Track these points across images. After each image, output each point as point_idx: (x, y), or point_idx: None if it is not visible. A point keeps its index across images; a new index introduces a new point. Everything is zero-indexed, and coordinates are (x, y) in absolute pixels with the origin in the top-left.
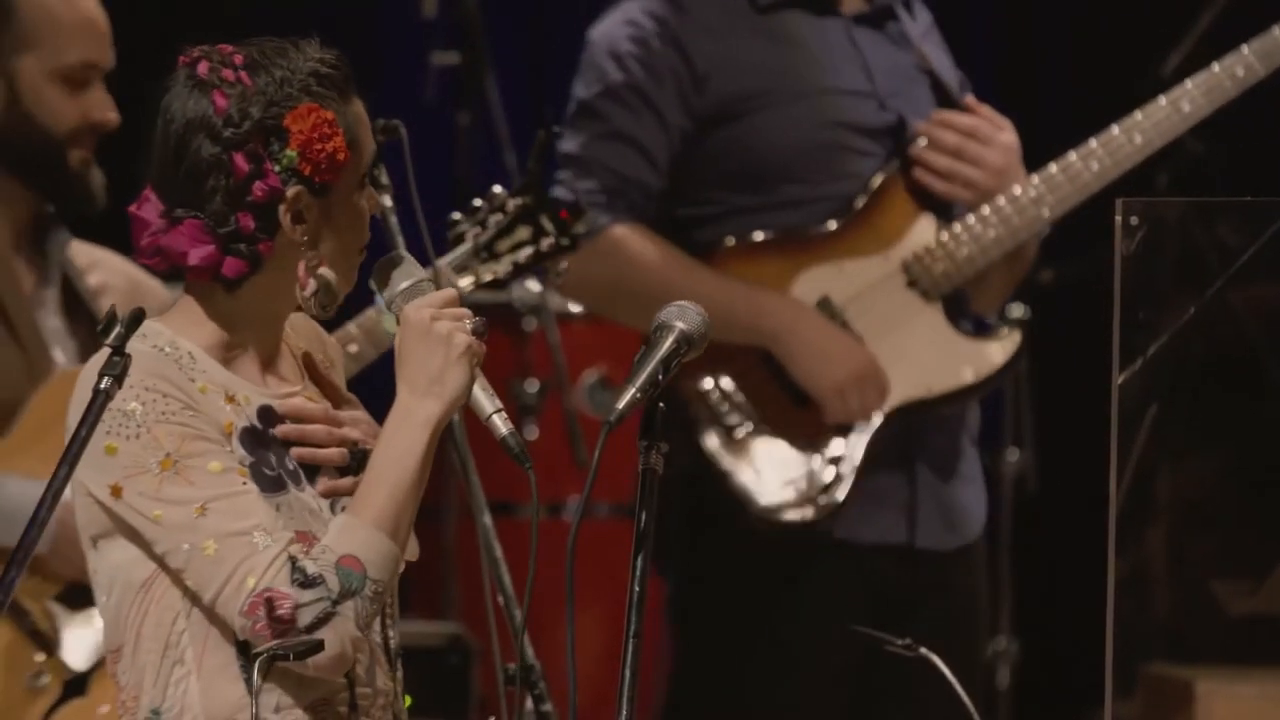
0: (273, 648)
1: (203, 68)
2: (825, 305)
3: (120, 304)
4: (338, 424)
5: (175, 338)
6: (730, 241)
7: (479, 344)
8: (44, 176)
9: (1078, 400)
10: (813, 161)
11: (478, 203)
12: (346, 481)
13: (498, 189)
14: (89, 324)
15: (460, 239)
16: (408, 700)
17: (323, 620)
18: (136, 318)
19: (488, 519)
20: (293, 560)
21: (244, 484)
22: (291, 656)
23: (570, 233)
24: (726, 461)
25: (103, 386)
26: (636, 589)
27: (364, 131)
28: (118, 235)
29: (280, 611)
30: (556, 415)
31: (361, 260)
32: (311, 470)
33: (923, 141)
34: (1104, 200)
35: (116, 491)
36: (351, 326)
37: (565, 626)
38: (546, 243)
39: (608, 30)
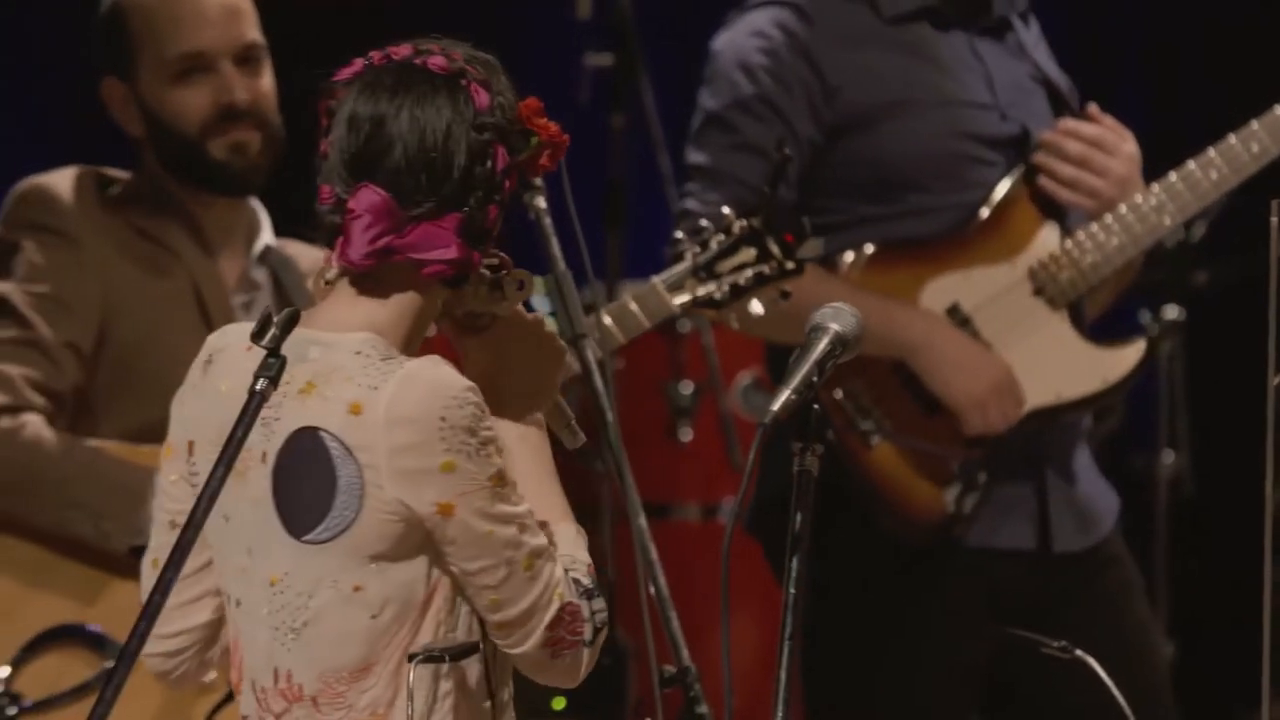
0: (430, 649)
1: (438, 63)
2: (954, 312)
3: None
4: None
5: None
6: (860, 250)
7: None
8: (195, 175)
9: (1234, 402)
10: (939, 172)
11: (704, 223)
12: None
13: (725, 210)
14: None
15: (679, 257)
16: (561, 702)
17: (600, 629)
18: (292, 319)
19: (643, 521)
20: (568, 572)
21: None
22: (447, 658)
23: (795, 257)
24: (859, 467)
25: (258, 388)
26: (792, 591)
27: None
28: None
29: (578, 624)
30: (711, 417)
31: None
32: None
33: (1047, 150)
34: (1260, 201)
35: (447, 510)
36: None
37: (720, 628)
38: (770, 266)
39: (735, 41)
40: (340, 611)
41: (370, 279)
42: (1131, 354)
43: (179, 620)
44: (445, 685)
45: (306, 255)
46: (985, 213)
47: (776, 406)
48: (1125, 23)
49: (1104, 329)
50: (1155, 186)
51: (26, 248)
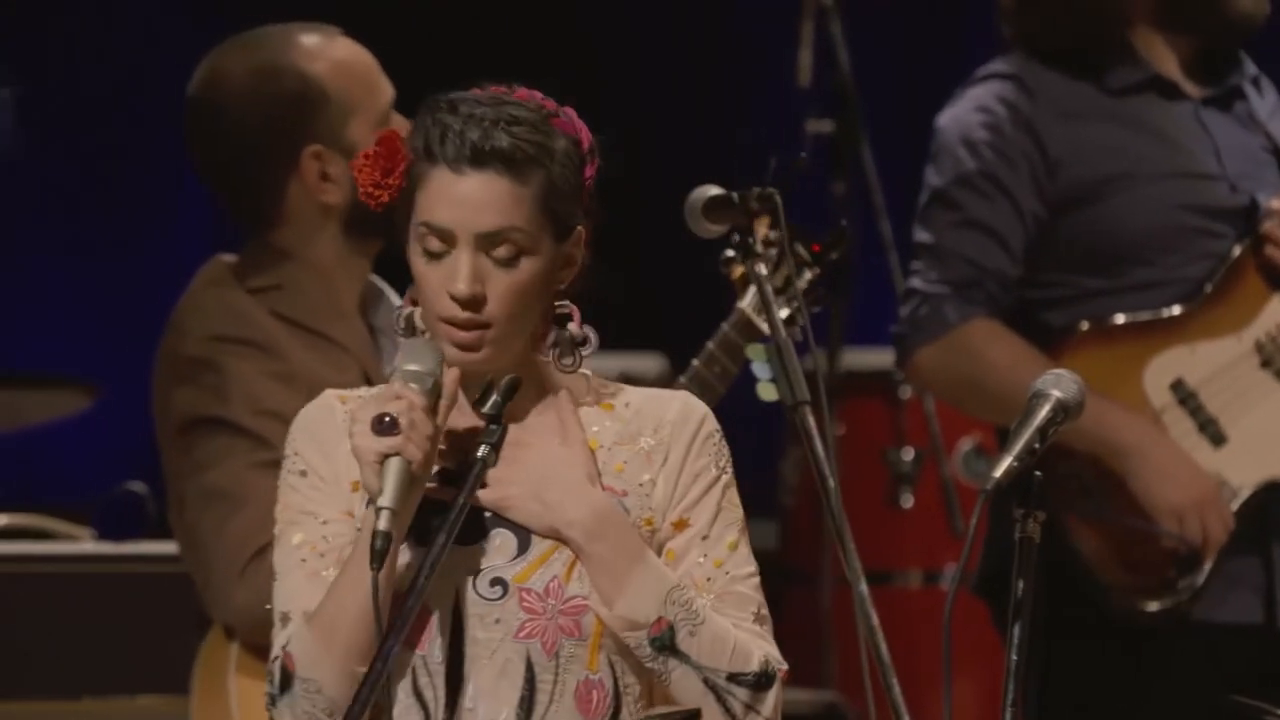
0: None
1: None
2: (1179, 388)
3: None
4: None
5: None
6: (1084, 326)
7: (380, 441)
8: (383, 233)
9: None
10: (1165, 245)
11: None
12: None
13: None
14: None
15: (745, 280)
16: None
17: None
18: (513, 386)
19: (864, 587)
20: None
21: None
22: None
23: (824, 261)
24: (1084, 546)
25: (481, 454)
26: (1014, 658)
27: None
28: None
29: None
30: (933, 483)
31: None
32: None
33: (1275, 219)
34: None
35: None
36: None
37: (942, 694)
38: (810, 274)
39: (959, 117)
40: None
41: None
42: None
43: None
44: None
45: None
46: (1211, 286)
47: (999, 473)
48: None
49: None
50: None
51: (226, 365)
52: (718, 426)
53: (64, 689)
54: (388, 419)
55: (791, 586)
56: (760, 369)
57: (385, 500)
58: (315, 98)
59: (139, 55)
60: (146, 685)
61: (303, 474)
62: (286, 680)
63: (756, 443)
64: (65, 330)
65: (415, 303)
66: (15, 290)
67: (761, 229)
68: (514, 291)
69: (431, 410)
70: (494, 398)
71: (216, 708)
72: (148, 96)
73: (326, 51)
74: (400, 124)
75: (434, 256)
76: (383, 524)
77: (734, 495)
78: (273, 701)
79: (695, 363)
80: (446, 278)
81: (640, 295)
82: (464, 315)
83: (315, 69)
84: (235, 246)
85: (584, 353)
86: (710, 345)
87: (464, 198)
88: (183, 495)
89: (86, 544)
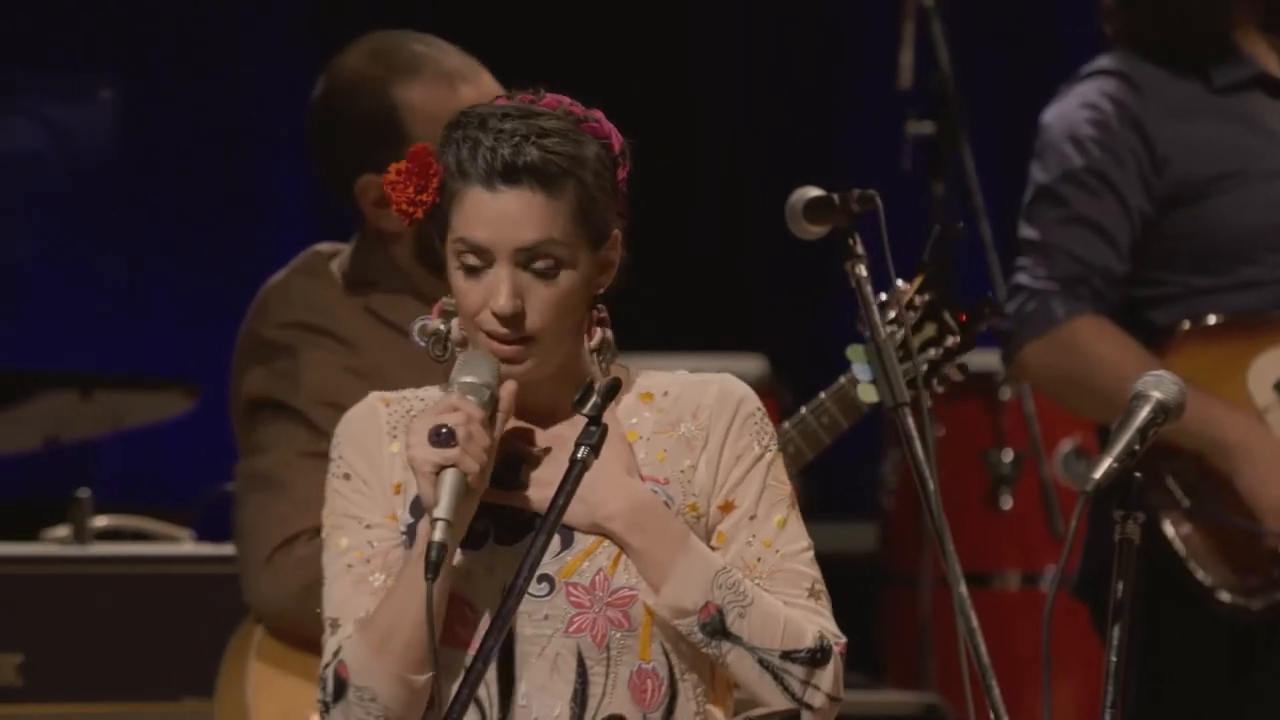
0: None
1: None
2: None
3: None
4: None
5: None
6: (1186, 325)
7: (437, 453)
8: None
9: None
10: (1271, 244)
11: (883, 297)
12: None
13: (900, 283)
14: None
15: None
16: None
17: None
18: (613, 387)
19: (963, 589)
20: None
21: None
22: None
23: (970, 333)
24: (1186, 547)
25: (580, 456)
26: (1114, 659)
27: None
28: None
29: None
30: (1032, 485)
31: None
32: None
33: None
34: None
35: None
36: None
37: (1041, 697)
38: (951, 341)
39: (1065, 113)
40: None
41: None
42: None
43: None
44: None
45: None
46: None
47: (1099, 474)
48: None
49: None
50: None
51: (302, 352)
52: (759, 406)
53: (165, 690)
54: (445, 430)
55: (891, 588)
56: (860, 370)
57: (441, 511)
58: (391, 135)
59: (238, 57)
60: None
61: (346, 477)
62: (340, 688)
63: (856, 445)
64: (166, 332)
65: (443, 314)
66: (117, 292)
67: (910, 291)
68: (554, 303)
69: (488, 422)
70: (594, 399)
71: (234, 691)
72: (247, 98)
73: (439, 97)
74: None
75: (472, 272)
76: (438, 535)
77: (780, 472)
78: (326, 709)
79: (804, 410)
80: (487, 293)
81: (741, 297)
82: (505, 331)
83: (411, 109)
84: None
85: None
86: (823, 395)
87: (499, 214)
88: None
89: (186, 545)
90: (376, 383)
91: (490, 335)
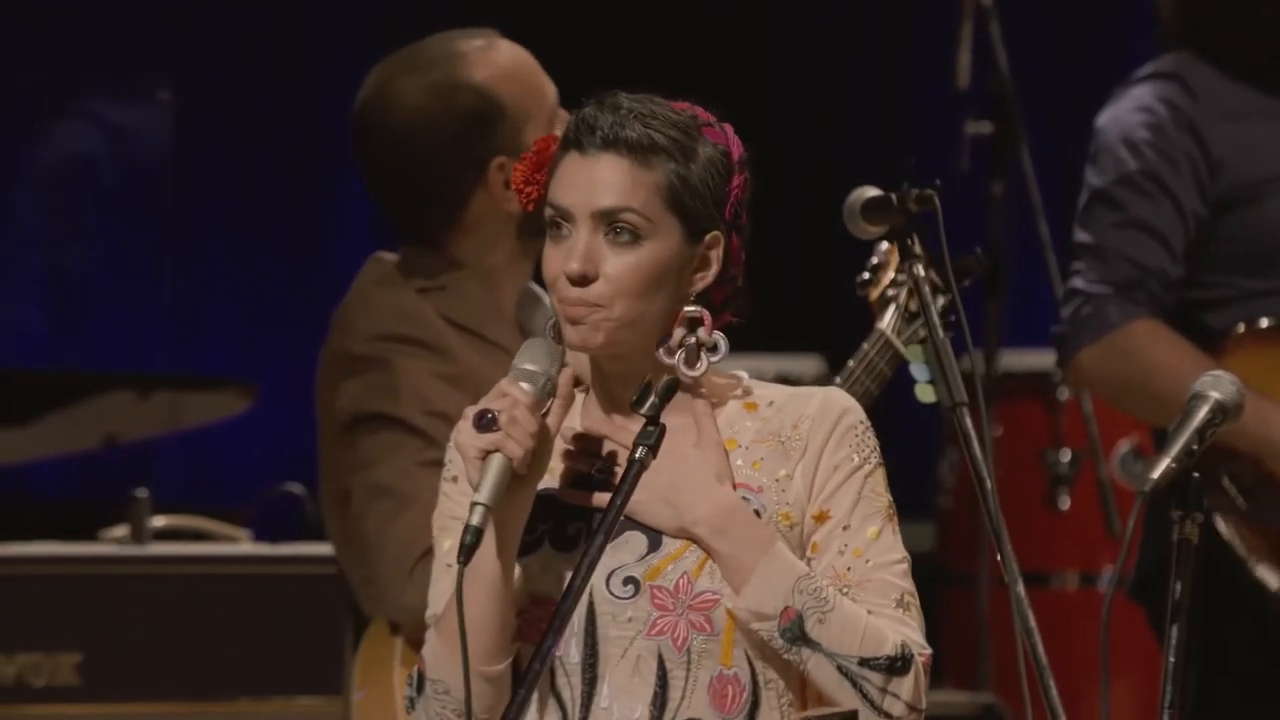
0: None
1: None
2: None
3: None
4: None
5: None
6: (1241, 327)
7: (480, 437)
8: None
9: None
10: None
11: (873, 260)
12: None
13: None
14: None
15: (882, 301)
16: None
17: None
18: (671, 388)
19: (1021, 589)
20: None
21: None
22: None
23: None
24: (1243, 548)
25: (638, 456)
26: (1172, 660)
27: None
28: None
29: None
30: (1090, 485)
31: None
32: None
33: None
34: None
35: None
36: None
37: (1100, 697)
38: (942, 301)
39: (1119, 117)
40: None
41: None
42: None
43: None
44: None
45: None
46: None
47: (1156, 474)
48: None
49: None
50: None
51: (396, 363)
52: (863, 419)
53: (221, 690)
54: (489, 415)
55: (948, 588)
56: (918, 370)
57: (480, 496)
58: (493, 111)
59: (298, 60)
60: (303, 686)
61: (454, 480)
62: (420, 683)
63: (913, 444)
64: (225, 332)
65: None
66: (175, 292)
67: (893, 264)
68: (626, 274)
69: (537, 408)
70: (651, 399)
71: (381, 702)
72: (306, 97)
73: (492, 59)
74: (565, 119)
75: (557, 238)
76: (475, 519)
77: (878, 484)
78: (411, 704)
79: (837, 380)
80: (564, 257)
81: (800, 297)
82: (574, 293)
83: (487, 82)
84: (392, 248)
85: (713, 359)
86: (851, 364)
87: (586, 177)
88: (344, 491)
89: (244, 545)
90: (470, 387)
91: (561, 300)
